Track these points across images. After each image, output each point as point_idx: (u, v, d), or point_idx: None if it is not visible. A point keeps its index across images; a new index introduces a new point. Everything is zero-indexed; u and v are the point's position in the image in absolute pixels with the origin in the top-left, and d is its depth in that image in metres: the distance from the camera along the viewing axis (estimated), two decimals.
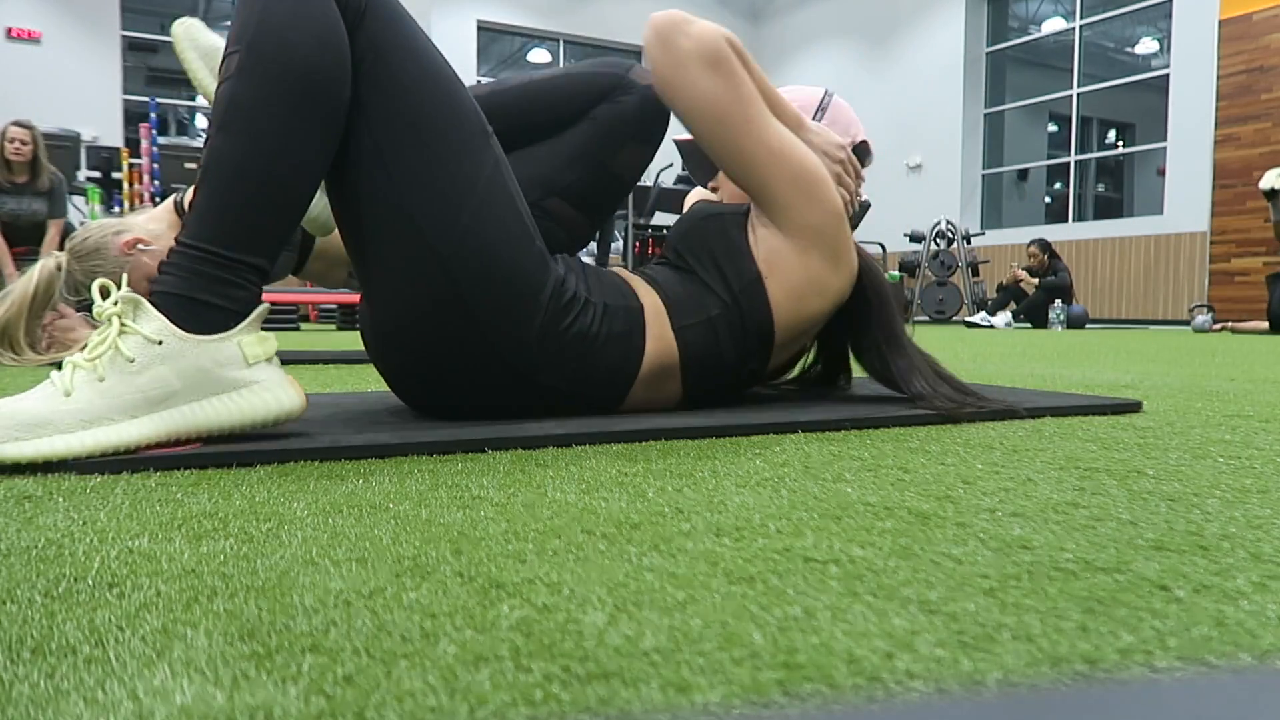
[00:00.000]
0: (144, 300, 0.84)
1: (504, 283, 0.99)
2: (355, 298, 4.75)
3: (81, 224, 2.19)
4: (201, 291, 0.86)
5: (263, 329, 1.19)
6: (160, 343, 0.83)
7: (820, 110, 1.35)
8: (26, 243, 4.76)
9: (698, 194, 1.57)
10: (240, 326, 0.88)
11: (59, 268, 2.05)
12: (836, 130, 1.34)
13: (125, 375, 0.82)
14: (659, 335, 1.12)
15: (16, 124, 4.66)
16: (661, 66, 1.12)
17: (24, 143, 4.63)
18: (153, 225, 2.08)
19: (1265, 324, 6.09)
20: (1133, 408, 1.34)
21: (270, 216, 0.90)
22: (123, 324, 0.84)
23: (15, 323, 2.04)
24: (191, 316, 0.86)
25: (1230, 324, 6.35)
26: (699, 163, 1.44)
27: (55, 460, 0.79)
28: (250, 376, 0.88)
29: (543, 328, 1.02)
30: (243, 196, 0.88)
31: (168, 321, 0.84)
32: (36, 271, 2.05)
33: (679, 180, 8.88)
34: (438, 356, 1.01)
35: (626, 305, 1.10)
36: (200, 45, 1.04)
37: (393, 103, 0.96)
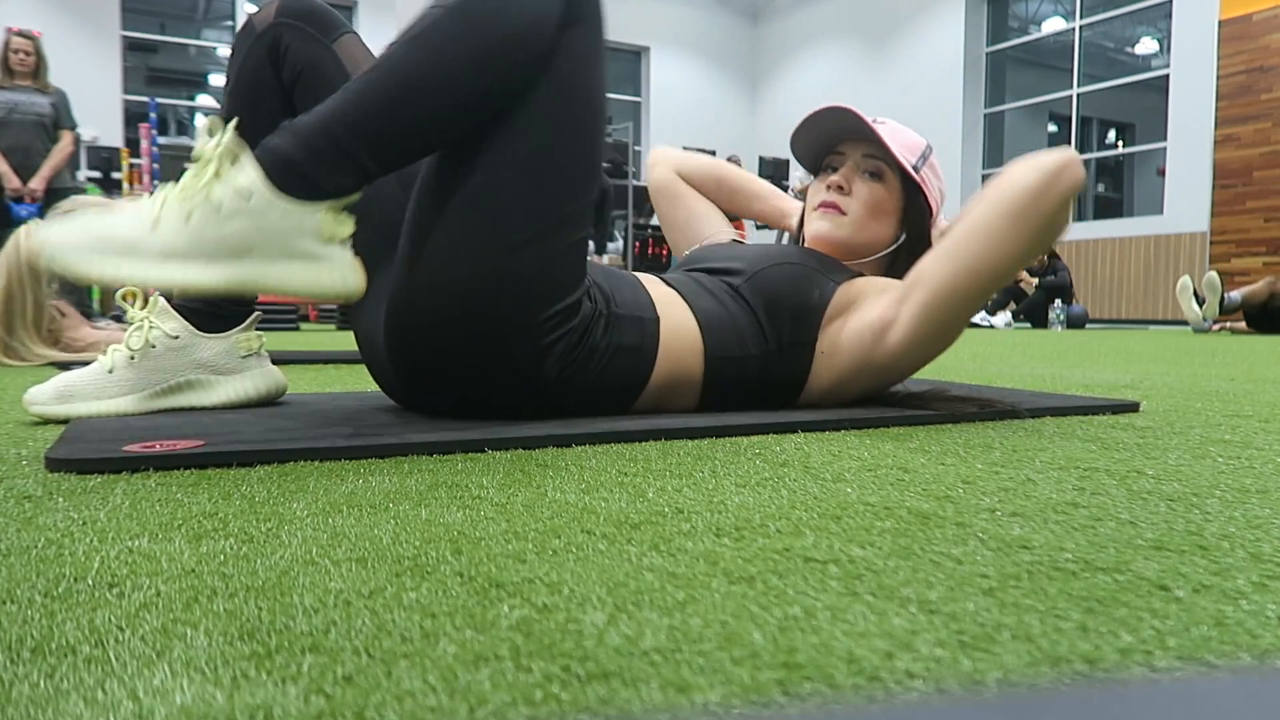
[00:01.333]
0: (247, 152, 0.87)
1: (544, 305, 1.00)
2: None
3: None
4: (308, 164, 0.88)
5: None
6: (250, 198, 0.86)
7: (922, 159, 1.27)
8: (24, 140, 4.52)
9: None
10: (327, 203, 0.89)
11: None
12: (938, 181, 1.30)
13: (211, 220, 0.85)
14: (678, 355, 1.11)
15: (19, 34, 4.60)
16: (1034, 201, 1.04)
17: (28, 54, 4.59)
18: None
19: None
20: (1130, 408, 1.34)
21: (406, 136, 0.92)
22: (217, 171, 0.86)
23: (16, 297, 1.97)
24: (288, 180, 0.87)
25: (1230, 324, 6.35)
26: (814, 143, 1.31)
27: (133, 284, 0.84)
28: (323, 252, 0.90)
29: (563, 354, 1.03)
30: (395, 104, 0.90)
31: (262, 178, 0.86)
32: (22, 238, 1.97)
33: None
34: (455, 353, 1.01)
35: (639, 316, 1.09)
36: None
37: (558, 107, 0.98)
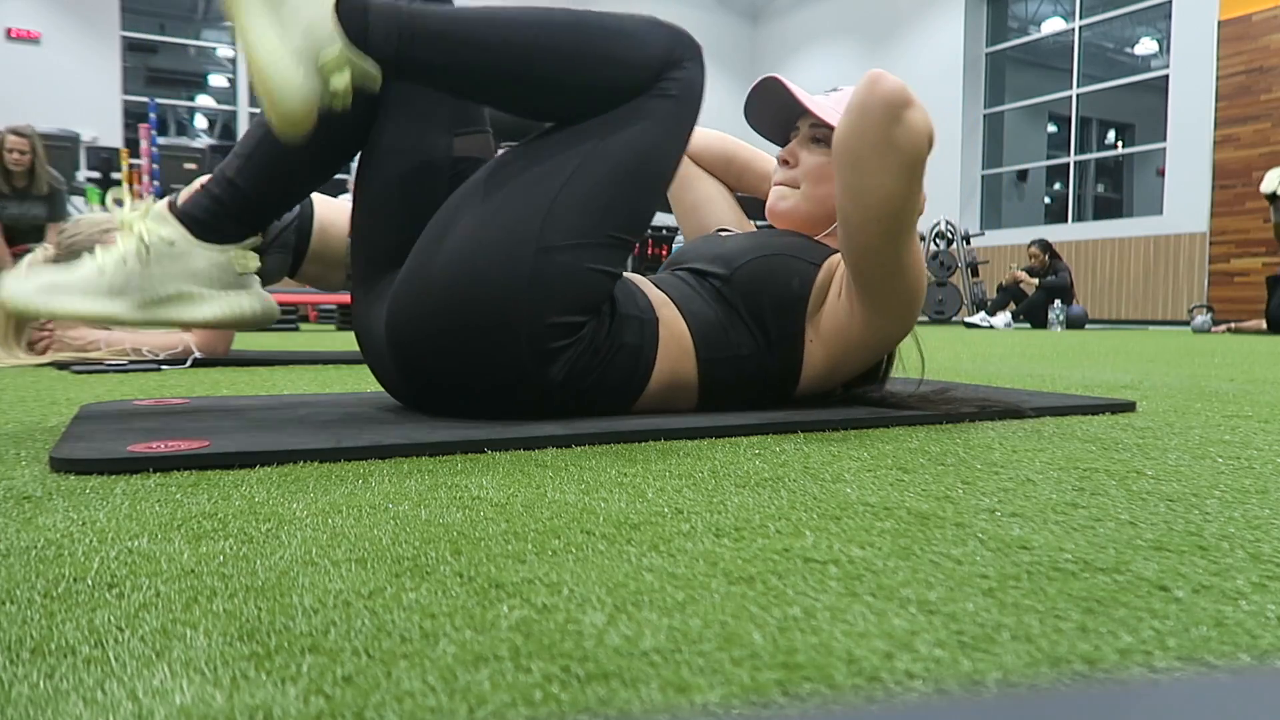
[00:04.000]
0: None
1: (556, 314, 1.01)
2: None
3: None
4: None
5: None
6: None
7: None
8: (26, 242, 4.78)
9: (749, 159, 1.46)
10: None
11: (47, 262, 2.05)
12: None
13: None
14: (676, 358, 1.11)
15: (14, 132, 4.64)
16: (859, 139, 1.03)
17: (23, 152, 4.63)
18: None
19: (1264, 324, 6.10)
20: (1127, 407, 1.34)
21: (452, 46, 1.00)
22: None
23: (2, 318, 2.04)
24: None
25: (1233, 324, 6.35)
26: (773, 125, 1.32)
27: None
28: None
29: (570, 360, 1.03)
30: (472, 22, 1.01)
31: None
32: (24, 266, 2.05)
33: None
34: (459, 351, 1.01)
35: (640, 317, 1.09)
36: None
37: (626, 152, 1.04)
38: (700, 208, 1.45)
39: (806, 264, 1.16)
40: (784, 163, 1.26)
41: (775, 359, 1.15)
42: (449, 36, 0.99)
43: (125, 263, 1.04)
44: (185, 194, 1.14)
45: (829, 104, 1.26)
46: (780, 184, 1.26)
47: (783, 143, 1.33)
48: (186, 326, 1.11)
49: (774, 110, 1.30)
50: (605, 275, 1.05)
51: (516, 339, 1.00)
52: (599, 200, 1.03)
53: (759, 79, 1.26)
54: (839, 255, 1.18)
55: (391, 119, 1.11)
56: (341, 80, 0.93)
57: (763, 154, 1.47)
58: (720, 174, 1.47)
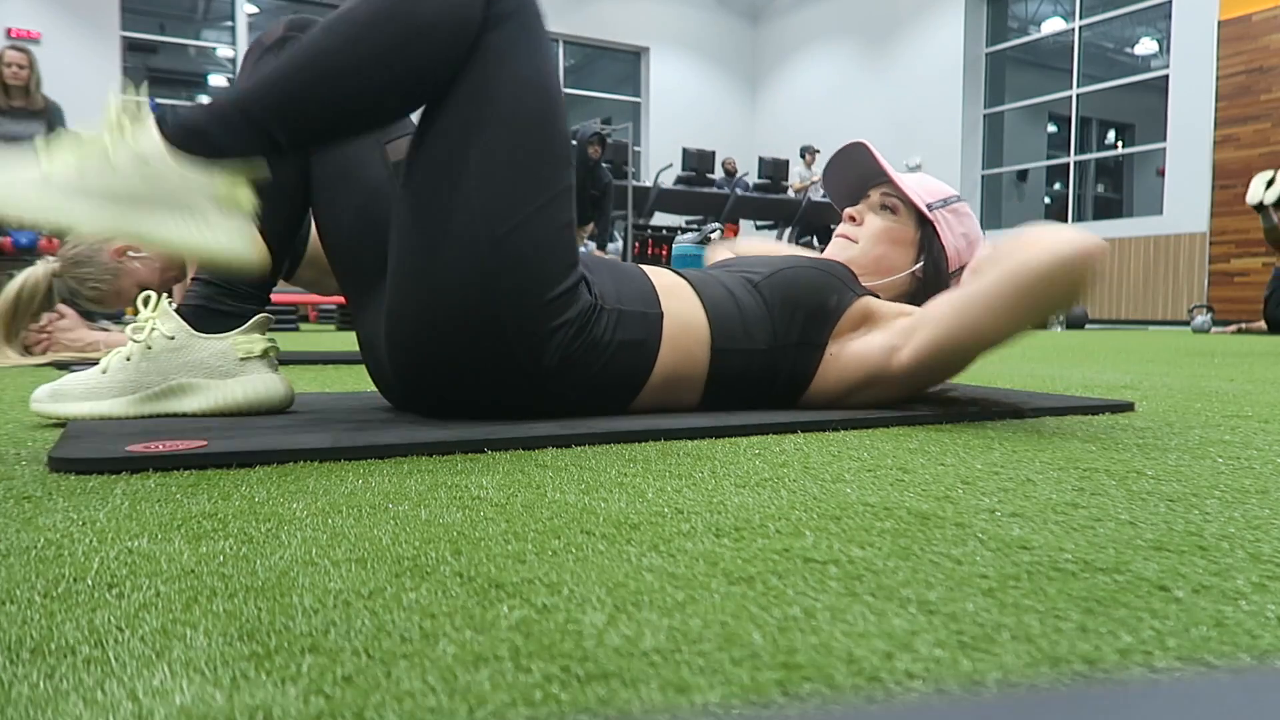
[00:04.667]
0: (150, 118, 0.89)
1: (536, 295, 1.00)
2: None
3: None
4: (212, 126, 0.90)
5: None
6: (148, 163, 0.87)
7: (943, 202, 1.32)
8: None
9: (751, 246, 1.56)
10: (226, 165, 0.90)
11: (49, 274, 2.06)
12: (962, 228, 1.34)
13: (104, 173, 0.87)
14: (684, 348, 1.11)
15: (13, 47, 4.62)
16: (1048, 281, 1.05)
17: (21, 66, 4.61)
18: None
19: (1265, 324, 6.11)
20: (1126, 407, 1.34)
21: (319, 116, 0.94)
22: (120, 133, 0.89)
23: (19, 313, 2.06)
24: (187, 139, 0.88)
25: (1243, 325, 6.35)
26: (846, 187, 1.40)
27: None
28: (215, 215, 0.90)
29: (562, 344, 1.03)
30: (307, 85, 0.92)
31: (160, 140, 0.87)
32: (23, 277, 2.06)
33: (679, 181, 8.88)
34: (454, 356, 1.01)
35: (644, 312, 1.10)
36: None
37: (507, 105, 0.99)
38: None
39: (847, 289, 1.19)
40: (849, 219, 1.35)
41: (789, 362, 1.16)
42: (279, 100, 0.92)
43: (129, 360, 1.10)
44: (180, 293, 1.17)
45: (911, 180, 1.34)
46: (842, 235, 1.35)
47: (843, 207, 1.42)
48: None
49: (852, 173, 1.39)
50: (561, 230, 1.03)
51: (504, 335, 1.00)
52: (510, 169, 1.00)
53: (847, 143, 1.35)
54: (875, 300, 1.21)
55: (317, 158, 1.13)
56: (246, 196, 0.90)
57: (801, 250, 1.57)
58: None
